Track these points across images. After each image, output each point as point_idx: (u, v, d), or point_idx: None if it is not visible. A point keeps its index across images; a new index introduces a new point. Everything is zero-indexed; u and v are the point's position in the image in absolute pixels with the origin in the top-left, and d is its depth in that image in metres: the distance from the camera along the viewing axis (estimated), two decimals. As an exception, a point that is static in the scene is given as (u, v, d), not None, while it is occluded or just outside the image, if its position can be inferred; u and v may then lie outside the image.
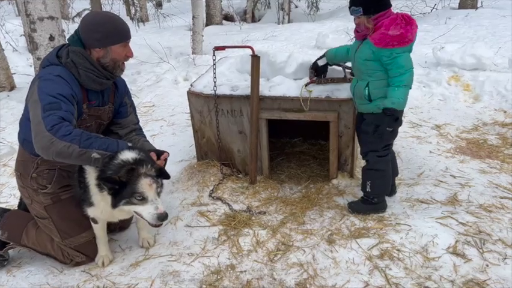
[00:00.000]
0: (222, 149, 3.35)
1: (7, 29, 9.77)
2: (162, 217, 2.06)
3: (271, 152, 3.90)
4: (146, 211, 2.07)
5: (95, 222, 2.37)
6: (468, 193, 2.99)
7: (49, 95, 2.09)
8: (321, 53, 3.22)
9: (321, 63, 3.07)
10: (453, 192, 3.01)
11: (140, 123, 4.12)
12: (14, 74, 6.54)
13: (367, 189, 2.77)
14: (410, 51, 2.53)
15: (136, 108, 5.43)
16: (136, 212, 2.12)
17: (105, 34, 2.25)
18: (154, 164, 2.15)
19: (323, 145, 3.94)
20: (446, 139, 4.04)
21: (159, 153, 2.37)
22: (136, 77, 6.51)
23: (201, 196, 3.09)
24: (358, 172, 3.38)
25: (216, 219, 2.81)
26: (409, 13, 9.47)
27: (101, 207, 2.22)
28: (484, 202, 2.86)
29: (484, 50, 4.97)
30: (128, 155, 2.08)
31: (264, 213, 2.86)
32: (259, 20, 13.16)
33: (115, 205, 2.07)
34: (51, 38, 4.67)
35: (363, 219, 2.73)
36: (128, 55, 2.39)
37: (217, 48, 3.03)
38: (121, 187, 2.03)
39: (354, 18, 2.59)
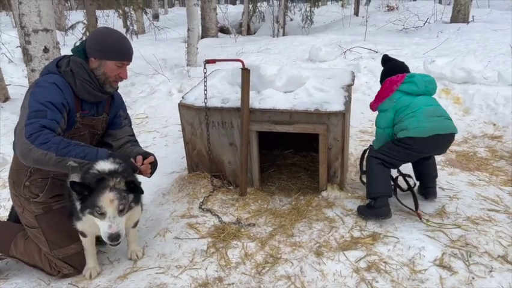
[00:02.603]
0: (212, 161, 3.37)
1: (4, 40, 9.82)
2: (112, 237, 1.99)
3: (262, 163, 3.93)
4: (102, 227, 2.03)
5: (84, 236, 2.37)
6: (456, 205, 3.01)
7: (38, 102, 2.13)
8: (314, 66, 3.37)
9: None
10: (441, 204, 3.03)
11: (134, 136, 4.08)
12: (9, 85, 6.55)
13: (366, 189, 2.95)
14: (385, 110, 2.97)
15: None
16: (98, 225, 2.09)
17: (103, 47, 2.31)
18: (130, 174, 2.13)
19: (314, 157, 3.97)
20: (436, 151, 4.08)
21: (146, 155, 2.39)
22: (130, 88, 6.55)
23: (191, 208, 3.09)
24: (348, 184, 3.41)
25: (205, 231, 2.82)
26: (402, 26, 9.68)
27: (89, 222, 2.22)
28: (471, 215, 2.88)
29: (473, 63, 5.05)
30: (104, 165, 2.07)
31: (254, 225, 2.86)
32: (254, 33, 13.31)
33: (81, 212, 2.06)
34: (46, 50, 4.70)
35: (352, 231, 2.74)
36: (122, 76, 2.43)
37: (208, 62, 3.07)
38: (89, 195, 2.01)
39: None
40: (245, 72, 2.98)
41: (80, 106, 2.37)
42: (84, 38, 5.71)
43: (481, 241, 2.59)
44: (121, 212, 2.07)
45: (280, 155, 4.20)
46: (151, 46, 9.71)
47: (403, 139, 2.82)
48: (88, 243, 2.42)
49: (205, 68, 3.10)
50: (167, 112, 5.45)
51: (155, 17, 18.17)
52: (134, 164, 2.29)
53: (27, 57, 4.82)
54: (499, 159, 3.88)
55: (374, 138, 3.19)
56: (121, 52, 2.36)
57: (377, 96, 3.10)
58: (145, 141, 4.61)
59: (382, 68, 3.24)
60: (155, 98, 5.92)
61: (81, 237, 2.39)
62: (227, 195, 3.26)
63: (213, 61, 3.05)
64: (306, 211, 3.01)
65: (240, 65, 3.06)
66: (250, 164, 3.26)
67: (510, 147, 4.06)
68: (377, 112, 3.14)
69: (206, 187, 3.32)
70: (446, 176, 3.53)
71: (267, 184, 3.56)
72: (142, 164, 2.35)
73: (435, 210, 2.97)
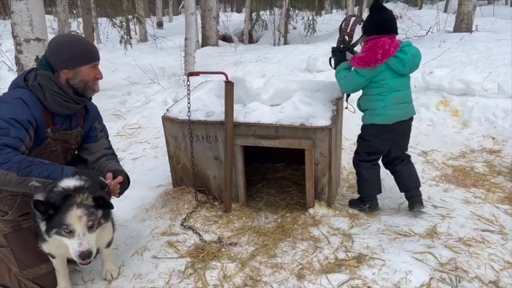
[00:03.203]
0: (197, 175, 3.27)
1: (6, 48, 9.85)
2: (83, 255, 1.90)
3: (253, 177, 3.83)
4: (71, 246, 1.93)
5: (53, 257, 2.28)
6: (448, 225, 2.88)
7: (1, 119, 2.06)
8: (311, 76, 3.27)
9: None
10: (433, 224, 2.90)
11: (124, 146, 4.04)
12: (6, 93, 6.54)
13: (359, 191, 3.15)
14: (362, 76, 2.84)
15: (122, 130, 5.40)
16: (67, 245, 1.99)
17: (73, 55, 2.24)
18: (97, 190, 2.04)
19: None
20: (432, 166, 3.96)
21: (116, 174, 2.30)
22: (126, 97, 6.48)
23: (173, 225, 2.99)
24: (337, 200, 3.29)
25: (184, 251, 2.71)
26: (405, 36, 9.56)
27: (56, 243, 2.12)
28: (464, 235, 2.75)
29: (472, 75, 4.92)
30: (70, 182, 1.98)
31: (235, 244, 2.75)
32: (257, 41, 13.27)
33: (47, 233, 1.97)
34: (38, 59, 4.66)
35: (337, 251, 2.62)
36: (98, 77, 2.38)
37: (191, 74, 3.00)
38: (54, 214, 1.92)
39: None
40: (228, 85, 2.89)
41: (52, 120, 2.29)
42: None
43: (472, 265, 2.46)
44: (90, 228, 1.97)
45: (272, 168, 4.09)
46: (151, 55, 9.68)
47: (369, 127, 2.97)
48: (58, 264, 2.32)
49: (188, 80, 3.02)
50: (160, 122, 5.36)
51: (160, 24, 18.24)
52: (103, 182, 2.20)
53: (19, 67, 4.80)
54: (497, 174, 3.74)
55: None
56: (91, 53, 2.31)
57: (361, 58, 2.79)
58: (135, 152, 4.54)
59: (369, 14, 2.89)
60: (149, 107, 5.84)
61: (50, 258, 2.30)
62: (211, 211, 3.15)
63: (197, 73, 2.98)
64: (291, 229, 2.90)
65: (224, 77, 2.97)
66: (236, 179, 3.16)
67: (509, 162, 3.92)
68: None
69: (190, 202, 3.22)
70: (440, 193, 3.40)
71: (255, 199, 3.46)
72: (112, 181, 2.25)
73: (426, 230, 2.84)
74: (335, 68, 3.07)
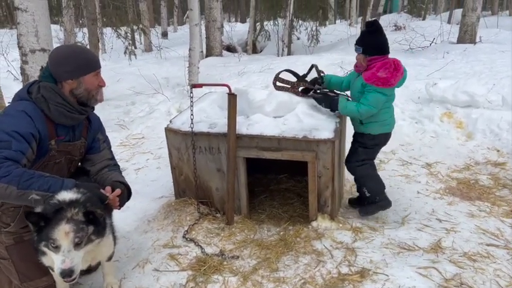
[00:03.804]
0: (199, 187, 3.26)
1: (11, 58, 9.94)
2: (64, 273, 1.84)
3: (256, 188, 3.82)
4: (56, 262, 1.89)
5: (53, 270, 2.26)
6: (453, 239, 2.85)
7: (4, 132, 2.05)
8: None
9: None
10: (437, 238, 2.87)
11: (127, 156, 4.03)
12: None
13: (367, 195, 3.17)
14: (386, 95, 2.95)
15: (125, 140, 5.40)
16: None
17: (77, 65, 2.25)
18: (93, 205, 2.01)
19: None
20: (436, 178, 3.93)
21: (115, 186, 2.29)
22: (130, 107, 6.51)
23: (175, 237, 2.98)
24: (340, 213, 3.27)
25: (186, 264, 2.69)
26: (408, 47, 9.57)
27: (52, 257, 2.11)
28: (468, 250, 2.72)
29: (476, 86, 4.91)
30: (66, 195, 1.96)
31: (237, 257, 2.73)
32: (261, 51, 13.31)
33: (37, 245, 1.94)
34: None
35: (340, 266, 2.60)
36: (101, 84, 2.38)
37: (194, 86, 3.00)
38: (45, 226, 1.89)
39: (356, 54, 3.04)
40: (232, 97, 2.89)
41: (55, 132, 2.29)
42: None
43: (477, 280, 2.42)
44: (77, 245, 1.92)
45: (274, 180, 4.08)
46: (155, 65, 9.74)
47: (377, 137, 3.09)
48: (58, 276, 2.30)
49: (191, 92, 3.03)
50: (164, 133, 5.37)
51: (164, 34, 18.37)
52: (103, 194, 2.18)
53: (24, 77, 4.83)
54: (502, 187, 3.70)
55: (342, 103, 3.01)
56: (93, 62, 2.32)
57: (386, 79, 2.88)
58: (138, 163, 4.54)
59: (370, 34, 2.97)
60: (153, 117, 5.86)
61: (51, 271, 2.29)
62: (213, 223, 3.13)
63: (200, 86, 2.98)
64: (294, 243, 2.88)
65: (226, 89, 2.98)
66: (238, 191, 3.14)
67: (514, 175, 3.88)
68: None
69: (192, 214, 3.21)
70: (444, 206, 3.37)
71: (258, 211, 3.44)
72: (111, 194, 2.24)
73: (431, 244, 2.81)
74: (335, 110, 3.08)
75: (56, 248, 1.89)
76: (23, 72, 4.83)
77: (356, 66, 3.13)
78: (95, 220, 1.98)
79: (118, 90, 7.34)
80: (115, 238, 2.33)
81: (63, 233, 1.87)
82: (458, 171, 4.05)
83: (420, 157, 4.33)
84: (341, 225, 3.07)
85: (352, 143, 3.23)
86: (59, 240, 1.87)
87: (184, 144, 3.17)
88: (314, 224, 3.06)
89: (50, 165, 2.30)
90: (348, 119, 3.41)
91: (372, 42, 2.96)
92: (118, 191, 2.25)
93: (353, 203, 3.40)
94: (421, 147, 4.56)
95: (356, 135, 3.20)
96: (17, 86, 8.17)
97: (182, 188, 3.35)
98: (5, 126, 2.05)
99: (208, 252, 2.79)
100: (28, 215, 1.90)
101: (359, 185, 3.25)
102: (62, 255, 1.87)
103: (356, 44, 3.02)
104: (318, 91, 3.26)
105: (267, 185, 3.96)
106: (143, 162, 4.55)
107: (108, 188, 2.23)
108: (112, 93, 6.93)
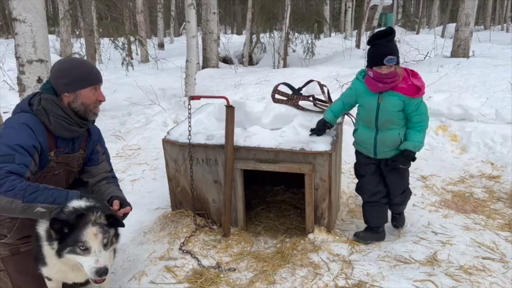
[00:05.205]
0: (196, 199, 3.25)
1: (7, 67, 9.93)
2: (100, 272, 1.91)
3: (252, 200, 3.82)
4: (87, 263, 1.93)
5: (49, 279, 2.25)
6: (449, 252, 2.86)
7: (6, 145, 2.05)
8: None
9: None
10: (433, 250, 2.88)
11: (123, 167, 4.01)
12: (6, 112, 6.55)
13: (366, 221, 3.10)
14: None
15: (121, 151, 5.39)
16: (79, 263, 1.98)
17: (73, 79, 2.25)
18: (107, 211, 2.05)
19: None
20: (431, 191, 3.95)
21: (123, 202, 2.29)
22: (126, 118, 6.51)
23: (171, 249, 2.96)
24: (336, 225, 3.27)
25: (182, 276, 2.68)
26: (402, 60, 9.70)
27: (56, 268, 2.10)
28: (464, 263, 2.73)
29: (470, 100, 4.97)
30: (80, 203, 2.00)
31: (234, 270, 2.72)
32: (257, 63, 13.43)
33: (59, 253, 1.95)
34: (39, 80, 4.70)
35: (337, 279, 2.59)
36: (100, 99, 2.38)
37: (192, 98, 3.01)
38: (69, 233, 1.92)
39: (383, 68, 2.65)
40: (229, 109, 2.91)
41: (55, 144, 2.30)
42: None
43: (474, 294, 2.43)
44: (105, 246, 1.99)
45: (271, 191, 4.08)
46: (152, 76, 9.77)
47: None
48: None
49: (189, 104, 3.04)
50: (160, 144, 5.37)
51: (161, 45, 18.46)
52: (108, 207, 2.19)
53: (21, 87, 4.82)
54: (497, 200, 3.73)
55: (411, 141, 2.80)
56: (91, 76, 2.31)
57: (422, 85, 2.73)
58: (134, 174, 4.53)
59: (392, 43, 2.72)
60: (149, 128, 5.86)
61: (46, 281, 2.27)
62: (210, 235, 3.13)
63: (198, 97, 3.00)
64: (291, 255, 2.87)
65: (224, 101, 3.00)
66: (235, 203, 3.14)
67: (508, 188, 3.91)
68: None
69: (189, 226, 3.20)
70: (440, 219, 3.38)
71: (254, 223, 3.44)
72: (118, 210, 2.24)
73: (427, 257, 2.81)
74: (414, 158, 2.92)
75: (86, 250, 1.93)
76: (19, 82, 4.82)
77: (375, 83, 2.73)
78: (115, 223, 2.03)
79: (114, 100, 7.35)
80: (114, 250, 2.33)
81: (92, 234, 1.92)
82: (453, 184, 4.08)
83: (415, 170, 4.36)
84: (337, 237, 3.07)
85: (393, 168, 2.92)
86: (89, 242, 1.92)
87: (181, 155, 3.18)
88: (311, 236, 3.06)
89: (49, 177, 2.30)
90: (344, 132, 3.42)
91: (398, 51, 2.68)
92: (127, 209, 2.25)
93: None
94: (416, 159, 4.58)
95: (396, 156, 2.90)
96: (13, 96, 8.15)
97: (179, 199, 3.35)
98: (7, 139, 2.05)
99: (204, 264, 2.78)
100: (53, 223, 1.92)
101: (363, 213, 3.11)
102: (94, 255, 1.93)
103: (388, 55, 2.59)
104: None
105: (263, 197, 3.96)
106: (140, 173, 4.53)
107: (116, 202, 2.23)
108: (108, 104, 6.90)
